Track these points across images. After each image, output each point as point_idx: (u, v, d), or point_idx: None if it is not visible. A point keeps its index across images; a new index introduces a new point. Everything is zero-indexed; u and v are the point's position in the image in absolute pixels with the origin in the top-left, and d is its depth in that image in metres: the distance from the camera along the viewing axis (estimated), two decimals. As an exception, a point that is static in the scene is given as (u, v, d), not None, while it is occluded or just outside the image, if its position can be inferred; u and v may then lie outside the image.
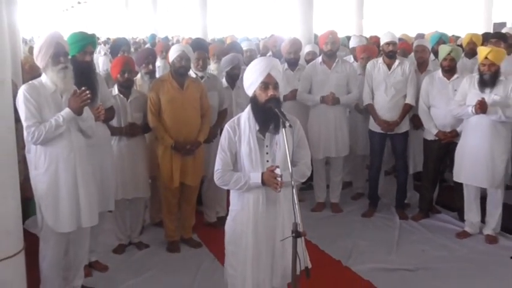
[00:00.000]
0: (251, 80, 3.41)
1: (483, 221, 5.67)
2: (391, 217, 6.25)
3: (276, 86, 3.37)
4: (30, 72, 6.75)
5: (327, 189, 6.61)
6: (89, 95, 3.96)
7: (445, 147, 5.83)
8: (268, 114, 3.32)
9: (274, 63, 3.46)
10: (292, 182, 2.98)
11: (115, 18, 30.90)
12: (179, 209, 5.47)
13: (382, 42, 6.30)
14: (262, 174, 3.32)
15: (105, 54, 14.25)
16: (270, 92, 3.33)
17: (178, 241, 5.47)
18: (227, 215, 3.65)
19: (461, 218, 5.88)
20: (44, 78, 4.00)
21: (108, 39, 21.51)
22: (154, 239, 5.64)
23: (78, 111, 3.95)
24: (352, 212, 6.46)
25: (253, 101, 3.42)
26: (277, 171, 3.26)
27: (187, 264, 5.12)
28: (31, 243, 4.05)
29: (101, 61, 13.74)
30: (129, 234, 5.49)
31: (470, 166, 5.43)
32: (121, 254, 5.33)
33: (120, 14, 29.52)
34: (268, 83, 3.35)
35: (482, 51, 5.36)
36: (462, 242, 5.57)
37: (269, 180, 3.29)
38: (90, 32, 5.02)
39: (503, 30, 8.56)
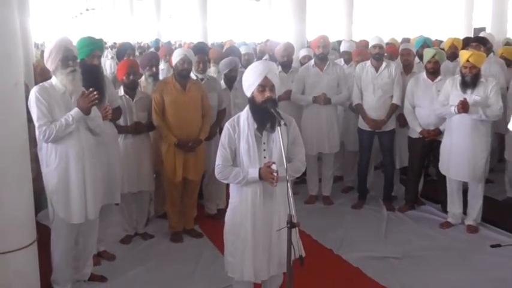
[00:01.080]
0: (249, 82, 3.42)
1: (465, 212, 5.68)
2: (379, 209, 6.25)
3: (272, 88, 3.37)
4: (42, 74, 6.74)
5: (319, 183, 6.61)
6: (96, 96, 3.95)
7: (428, 144, 5.83)
8: (265, 114, 3.32)
9: (270, 67, 3.47)
10: (287, 177, 2.98)
11: (121, 24, 30.82)
12: (182, 201, 5.46)
13: (369, 46, 6.31)
14: (260, 169, 3.33)
15: (111, 57, 14.24)
16: (267, 94, 3.34)
17: (181, 232, 5.47)
18: (227, 207, 3.66)
19: (445, 210, 5.89)
20: (54, 80, 3.99)
21: (115, 43, 21.46)
22: (158, 230, 5.63)
23: (87, 111, 3.94)
24: (343, 204, 6.46)
25: (251, 101, 3.43)
26: (274, 166, 3.28)
27: (189, 253, 5.12)
28: (43, 235, 4.04)
29: (107, 64, 13.72)
30: (135, 225, 5.48)
31: (454, 162, 5.44)
32: (128, 244, 5.33)
33: (125, 20, 29.46)
34: (265, 85, 3.35)
35: (464, 54, 5.36)
36: (445, 232, 5.59)
37: (266, 175, 3.30)
38: (97, 37, 5.01)
39: (482, 35, 8.57)
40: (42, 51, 11.61)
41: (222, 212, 5.04)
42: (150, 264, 4.88)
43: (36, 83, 5.86)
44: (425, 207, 6.27)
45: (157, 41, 15.94)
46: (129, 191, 5.17)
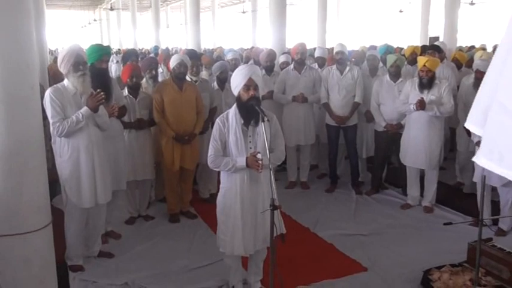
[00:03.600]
0: (236, 82, 3.43)
1: (422, 195, 5.74)
2: (349, 192, 6.28)
3: (256, 88, 3.38)
4: (54, 77, 6.68)
5: (297, 171, 6.63)
6: (103, 96, 3.92)
7: (391, 136, 5.87)
8: (250, 111, 3.33)
9: (254, 69, 3.48)
10: (270, 165, 2.99)
11: (124, 33, 30.52)
12: (179, 187, 5.44)
13: (334, 52, 6.32)
14: (247, 158, 3.35)
15: (117, 62, 14.06)
16: (251, 93, 3.35)
17: (178, 213, 5.46)
18: (218, 192, 3.66)
19: (405, 193, 5.95)
20: (66, 82, 3.95)
21: (119, 50, 21.22)
22: (158, 212, 5.61)
23: (95, 109, 3.91)
24: (318, 189, 6.48)
25: (238, 99, 3.44)
26: (259, 156, 3.31)
27: (185, 232, 5.11)
28: (57, 217, 4.01)
29: (113, 68, 13.54)
30: (138, 208, 5.45)
31: (412, 152, 5.49)
32: (132, 225, 5.31)
33: (128, 29, 29.21)
34: (250, 85, 3.36)
35: (421, 60, 5.39)
36: (405, 212, 5.63)
37: (252, 163, 3.32)
38: (105, 44, 4.96)
39: (437, 43, 8.62)
40: (55, 57, 11.48)
41: (214, 196, 5.03)
42: (151, 242, 4.86)
43: (50, 85, 5.78)
44: (388, 191, 6.31)
45: (156, 48, 15.80)
46: (133, 179, 5.14)
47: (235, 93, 3.46)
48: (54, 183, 4.47)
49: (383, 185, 6.40)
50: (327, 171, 6.77)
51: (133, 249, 4.68)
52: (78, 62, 3.88)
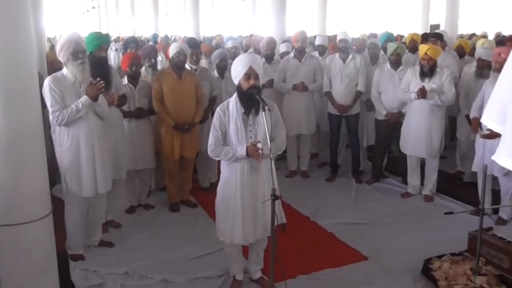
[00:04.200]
0: (237, 71, 3.40)
1: (422, 184, 5.73)
2: (349, 181, 6.27)
3: (256, 77, 3.36)
4: (52, 65, 6.63)
5: (297, 160, 6.62)
6: (103, 85, 3.90)
7: (392, 125, 5.85)
8: (251, 100, 3.31)
9: (255, 58, 3.46)
10: (271, 155, 2.98)
11: (123, 20, 30.33)
12: (179, 176, 5.43)
13: (337, 40, 6.27)
14: (247, 147, 3.33)
15: (116, 50, 14.00)
16: (251, 82, 3.33)
17: (178, 202, 5.45)
18: (218, 181, 3.64)
19: (405, 182, 5.94)
20: (65, 71, 3.92)
21: (118, 37, 21.11)
22: (158, 201, 5.60)
23: (94, 98, 3.89)
24: (318, 178, 6.47)
25: (239, 88, 3.41)
26: (259, 145, 3.28)
27: (185, 221, 5.12)
28: (58, 207, 4.00)
29: (112, 56, 13.47)
30: (138, 197, 5.45)
31: (413, 140, 5.47)
32: (132, 214, 5.31)
33: (127, 16, 29.01)
34: (250, 74, 3.33)
35: (423, 48, 5.35)
36: (405, 201, 5.64)
37: (252, 153, 3.30)
38: (104, 33, 4.91)
39: (438, 31, 8.57)
40: (53, 45, 11.40)
41: (214, 185, 5.03)
42: (152, 231, 4.86)
43: (48, 73, 5.73)
44: (389, 179, 6.31)
45: (155, 36, 15.70)
46: (133, 168, 5.13)
47: (236, 82, 3.43)
48: (54, 172, 4.46)
49: (383, 174, 6.39)
50: (327, 160, 6.76)
51: (134, 238, 4.67)
52: (77, 51, 3.84)
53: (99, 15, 38.57)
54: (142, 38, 18.12)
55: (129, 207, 5.36)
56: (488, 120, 1.10)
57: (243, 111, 3.38)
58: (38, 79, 3.09)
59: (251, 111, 3.37)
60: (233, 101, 3.43)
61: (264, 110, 3.08)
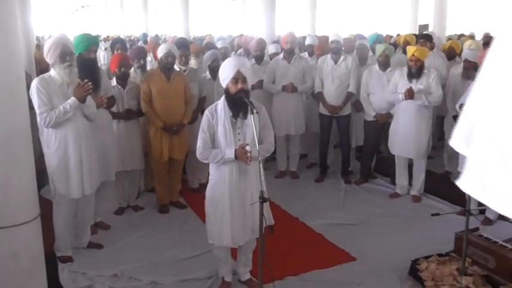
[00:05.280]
0: (224, 75, 3.40)
1: (410, 184, 5.78)
2: (338, 182, 6.30)
3: (244, 80, 3.36)
4: (39, 65, 6.57)
5: (287, 160, 6.64)
6: (91, 86, 3.89)
7: (381, 126, 5.89)
8: (239, 103, 3.32)
9: (242, 61, 3.47)
10: (259, 158, 2.99)
11: (112, 19, 30.13)
12: (168, 178, 5.42)
13: (329, 41, 6.29)
14: (235, 150, 3.33)
15: (105, 49, 13.91)
16: (239, 85, 3.33)
17: (167, 204, 5.44)
18: (207, 181, 3.65)
19: (393, 182, 5.98)
20: (52, 72, 3.90)
21: (108, 36, 20.97)
22: (148, 202, 5.59)
23: (82, 100, 3.87)
24: (307, 178, 6.50)
25: (227, 92, 3.42)
26: (247, 148, 3.29)
27: (174, 222, 5.11)
28: (46, 208, 3.97)
29: (101, 55, 13.40)
30: (127, 199, 5.43)
31: (401, 141, 5.51)
32: (121, 215, 5.29)
33: (116, 16, 28.84)
34: (238, 77, 3.34)
35: (410, 49, 5.40)
36: (394, 201, 5.68)
37: (241, 155, 3.30)
38: (93, 34, 4.89)
39: (426, 32, 8.63)
40: (38, 45, 11.33)
41: (203, 186, 4.99)
42: (141, 232, 4.85)
43: (36, 72, 5.69)
44: (377, 180, 6.35)
45: (145, 35, 15.64)
46: (122, 169, 5.11)
47: (224, 85, 3.44)
48: (42, 174, 4.44)
49: (372, 175, 6.43)
50: (317, 160, 6.79)
51: (123, 240, 4.66)
52: (64, 53, 3.83)
53: (88, 14, 38.33)
54: (132, 38, 18.02)
55: (118, 209, 5.35)
56: (455, 143, 1.10)
57: (231, 114, 3.39)
58: (25, 81, 3.07)
59: (239, 115, 3.38)
60: (221, 103, 3.44)
61: (252, 113, 3.09)
